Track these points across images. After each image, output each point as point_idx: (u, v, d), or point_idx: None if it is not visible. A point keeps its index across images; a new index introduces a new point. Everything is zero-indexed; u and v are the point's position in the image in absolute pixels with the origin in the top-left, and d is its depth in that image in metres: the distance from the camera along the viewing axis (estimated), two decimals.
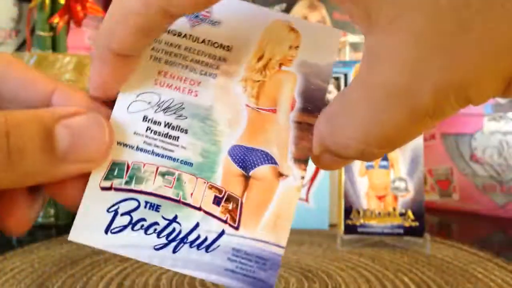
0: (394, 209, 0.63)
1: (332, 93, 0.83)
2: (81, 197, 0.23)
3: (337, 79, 0.82)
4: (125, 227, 0.23)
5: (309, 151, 0.23)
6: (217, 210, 0.23)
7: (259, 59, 0.24)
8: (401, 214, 0.63)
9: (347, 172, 0.67)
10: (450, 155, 0.89)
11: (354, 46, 0.93)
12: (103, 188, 0.23)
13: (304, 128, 0.24)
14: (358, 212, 0.63)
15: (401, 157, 0.66)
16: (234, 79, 0.24)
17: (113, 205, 0.23)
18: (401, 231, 0.62)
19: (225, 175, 0.23)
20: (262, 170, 0.24)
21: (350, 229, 0.63)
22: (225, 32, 0.24)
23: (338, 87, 0.82)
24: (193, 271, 0.23)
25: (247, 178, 0.24)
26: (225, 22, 0.24)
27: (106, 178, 0.23)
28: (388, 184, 0.65)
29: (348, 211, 0.64)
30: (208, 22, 0.24)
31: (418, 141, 0.67)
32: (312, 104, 0.24)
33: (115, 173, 0.23)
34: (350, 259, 0.57)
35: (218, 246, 0.23)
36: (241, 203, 0.23)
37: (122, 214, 0.23)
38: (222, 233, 0.23)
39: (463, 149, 0.88)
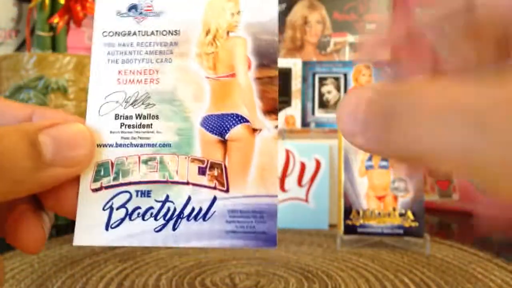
0: (394, 209, 0.63)
1: (331, 93, 0.83)
2: (75, 203, 0.24)
3: (337, 79, 0.82)
4: (123, 219, 0.24)
5: (274, 101, 0.25)
6: (204, 180, 0.24)
7: (207, 33, 0.26)
8: (401, 215, 0.63)
9: (347, 172, 0.67)
10: None
11: (354, 46, 0.93)
12: (94, 190, 0.24)
13: (265, 82, 0.25)
14: (358, 213, 0.63)
15: None
16: (189, 58, 0.25)
17: (107, 202, 0.24)
18: (401, 231, 0.62)
19: (203, 145, 0.25)
20: (237, 131, 0.25)
21: (349, 229, 0.63)
22: (170, 19, 0.26)
23: (338, 87, 0.82)
24: (196, 242, 0.24)
25: (224, 142, 0.25)
26: (168, 10, 0.26)
27: (95, 180, 0.24)
28: (388, 185, 0.65)
29: (348, 211, 0.64)
30: (152, 14, 0.26)
31: None
32: (266, 58, 0.25)
33: (102, 173, 0.24)
34: (350, 260, 0.57)
35: (214, 212, 0.24)
36: (225, 166, 0.24)
37: (117, 208, 0.24)
38: (214, 199, 0.24)
39: None
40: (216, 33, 0.26)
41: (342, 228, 0.62)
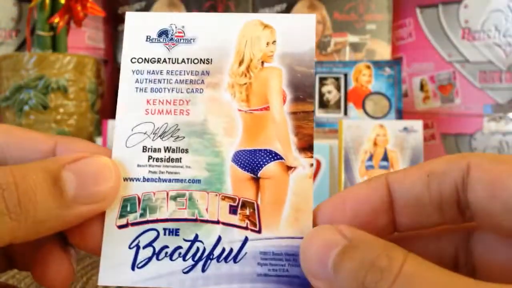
0: None
1: (332, 93, 0.83)
2: (100, 239, 0.23)
3: (337, 79, 0.82)
4: (149, 259, 0.23)
5: (310, 137, 0.24)
6: (235, 219, 0.23)
7: (241, 62, 0.24)
8: None
9: (347, 172, 0.67)
10: None
11: (354, 46, 0.93)
12: (120, 227, 0.23)
13: (300, 117, 0.24)
14: None
15: (401, 157, 0.66)
16: (221, 88, 0.24)
17: (134, 240, 0.23)
18: None
19: (235, 182, 0.23)
20: (270, 168, 0.24)
21: None
22: (202, 46, 0.25)
23: (338, 87, 0.82)
24: (227, 285, 0.22)
25: (256, 180, 0.24)
26: (200, 36, 0.25)
27: (121, 216, 0.23)
28: None
29: None
30: (183, 41, 0.25)
31: (418, 141, 0.67)
32: (302, 91, 0.24)
33: (128, 208, 0.23)
34: None
35: (245, 254, 0.23)
36: (257, 205, 0.23)
37: (144, 247, 0.23)
38: (245, 240, 0.23)
39: (463, 149, 0.87)
40: (250, 63, 0.24)
41: None
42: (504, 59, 0.84)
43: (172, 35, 0.25)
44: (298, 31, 0.24)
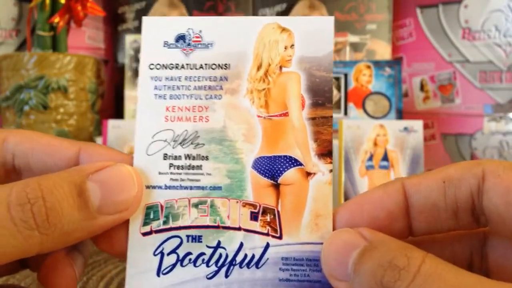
0: None
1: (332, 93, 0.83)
2: (126, 245, 0.23)
3: (337, 79, 0.82)
4: (174, 265, 0.23)
5: (329, 143, 0.24)
6: (256, 225, 0.23)
7: (259, 67, 0.24)
8: None
9: (347, 172, 0.67)
10: (450, 155, 0.89)
11: (354, 46, 0.93)
12: (144, 234, 0.23)
13: (319, 122, 0.24)
14: None
15: (401, 157, 0.66)
16: (240, 94, 0.24)
17: (158, 247, 0.23)
18: None
19: (255, 189, 0.24)
20: (290, 175, 0.24)
21: None
22: (220, 51, 0.24)
23: (338, 87, 0.82)
24: None
25: (277, 186, 0.24)
26: (217, 41, 0.24)
27: (145, 223, 0.23)
28: None
29: None
30: (201, 46, 0.25)
31: (418, 141, 0.67)
32: (321, 96, 0.24)
33: (151, 216, 0.23)
34: None
35: (267, 259, 0.23)
36: (278, 212, 0.23)
37: (168, 254, 0.23)
38: (267, 246, 0.23)
39: (463, 149, 0.87)
40: (268, 68, 0.24)
41: None
42: (504, 59, 0.84)
43: (189, 40, 0.25)
44: (316, 34, 0.24)
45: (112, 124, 0.72)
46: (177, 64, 0.24)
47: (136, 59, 0.83)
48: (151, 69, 0.25)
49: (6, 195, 0.20)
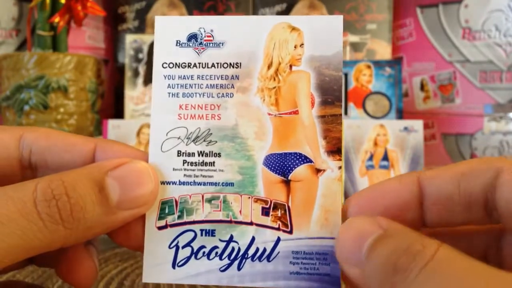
0: None
1: None
2: (143, 238, 0.24)
3: None
4: (188, 258, 0.24)
5: (338, 141, 0.24)
6: (267, 220, 0.24)
7: (269, 66, 0.25)
8: None
9: (347, 172, 0.67)
10: (450, 155, 0.89)
11: (355, 46, 0.93)
12: (160, 228, 0.24)
13: (329, 120, 0.24)
14: None
15: (401, 157, 0.67)
16: (251, 92, 0.25)
17: (173, 241, 0.24)
18: None
19: (266, 185, 0.24)
20: (300, 171, 0.24)
21: None
22: (231, 50, 0.25)
23: None
24: (261, 283, 0.24)
25: (287, 182, 0.24)
26: (229, 40, 0.25)
27: (160, 218, 0.24)
28: None
29: None
30: (213, 45, 0.25)
31: (419, 141, 0.67)
32: (331, 95, 0.24)
33: (166, 211, 0.24)
34: None
35: (278, 253, 0.24)
36: (288, 207, 0.24)
37: (183, 247, 0.24)
38: (278, 240, 0.24)
39: (463, 149, 0.87)
40: (279, 66, 0.25)
41: None
42: (504, 59, 0.84)
43: (201, 39, 0.25)
44: (325, 33, 0.25)
45: (112, 124, 0.72)
46: (190, 63, 0.25)
47: (136, 59, 0.82)
48: (164, 68, 0.25)
49: (31, 192, 0.20)
